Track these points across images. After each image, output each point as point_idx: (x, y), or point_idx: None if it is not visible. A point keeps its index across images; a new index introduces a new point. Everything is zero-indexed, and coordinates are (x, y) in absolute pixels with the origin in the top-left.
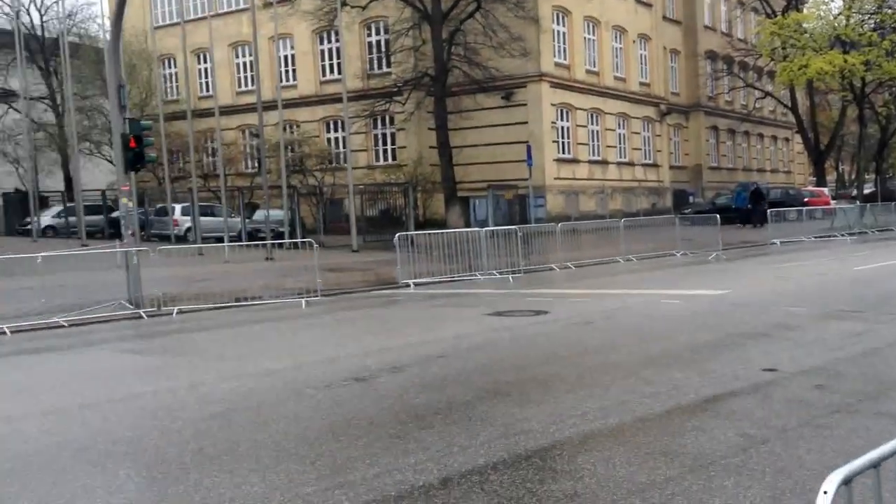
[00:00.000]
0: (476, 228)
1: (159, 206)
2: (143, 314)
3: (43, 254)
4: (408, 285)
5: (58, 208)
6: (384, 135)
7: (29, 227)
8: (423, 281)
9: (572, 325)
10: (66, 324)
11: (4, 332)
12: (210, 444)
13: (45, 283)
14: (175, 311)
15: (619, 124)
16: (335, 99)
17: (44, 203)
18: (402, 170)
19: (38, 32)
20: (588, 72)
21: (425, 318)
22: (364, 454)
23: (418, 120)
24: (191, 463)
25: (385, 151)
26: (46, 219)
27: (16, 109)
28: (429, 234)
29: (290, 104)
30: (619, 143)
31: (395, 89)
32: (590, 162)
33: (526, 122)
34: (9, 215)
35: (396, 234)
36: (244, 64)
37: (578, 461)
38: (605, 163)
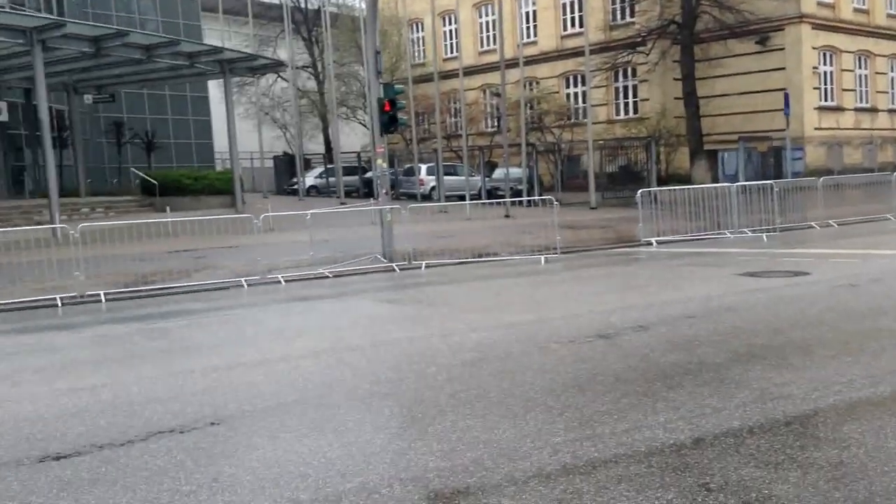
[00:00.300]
0: (725, 184)
1: (407, 166)
2: (395, 267)
3: (311, 211)
4: (650, 243)
5: (319, 169)
6: (626, 87)
7: (295, 186)
8: (667, 239)
9: (835, 288)
10: (330, 275)
11: (280, 281)
12: (463, 390)
13: (312, 238)
14: (423, 265)
15: (892, 67)
16: (576, 53)
17: (307, 165)
18: (643, 123)
19: (302, 5)
20: (856, 10)
21: (670, 276)
22: (611, 409)
23: (663, 70)
24: (446, 406)
25: (626, 105)
26: (310, 179)
27: (283, 78)
28: (673, 189)
29: (531, 61)
30: (892, 89)
31: (639, 39)
32: (856, 110)
33: (783, 69)
34: (279, 176)
35: (639, 191)
36: (487, 23)
37: (844, 430)
38: (874, 110)
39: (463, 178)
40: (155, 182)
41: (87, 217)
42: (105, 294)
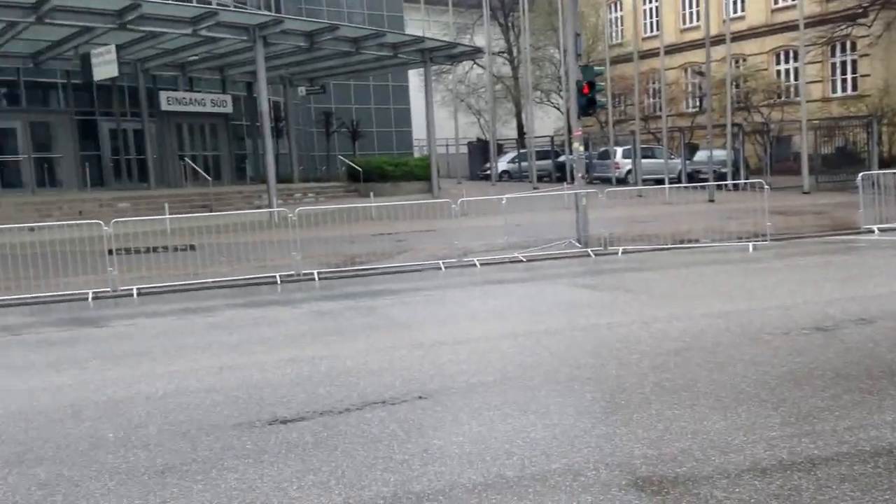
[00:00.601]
0: None
1: (602, 149)
2: (590, 252)
3: (506, 196)
4: (871, 231)
5: (511, 154)
6: (843, 63)
7: (488, 172)
8: (891, 226)
9: None
10: (524, 259)
11: (475, 264)
12: (668, 379)
13: (506, 222)
14: (620, 250)
15: None
16: (787, 27)
17: (500, 150)
18: (864, 101)
19: None
20: None
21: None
22: (831, 405)
23: (886, 44)
24: (651, 394)
25: (844, 81)
26: (502, 164)
27: (479, 65)
28: None
29: (737, 37)
30: None
31: (860, 10)
32: None
33: None
34: (472, 161)
35: (859, 174)
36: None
37: None
38: None
39: (661, 160)
40: (360, 169)
41: (300, 202)
42: (318, 273)
